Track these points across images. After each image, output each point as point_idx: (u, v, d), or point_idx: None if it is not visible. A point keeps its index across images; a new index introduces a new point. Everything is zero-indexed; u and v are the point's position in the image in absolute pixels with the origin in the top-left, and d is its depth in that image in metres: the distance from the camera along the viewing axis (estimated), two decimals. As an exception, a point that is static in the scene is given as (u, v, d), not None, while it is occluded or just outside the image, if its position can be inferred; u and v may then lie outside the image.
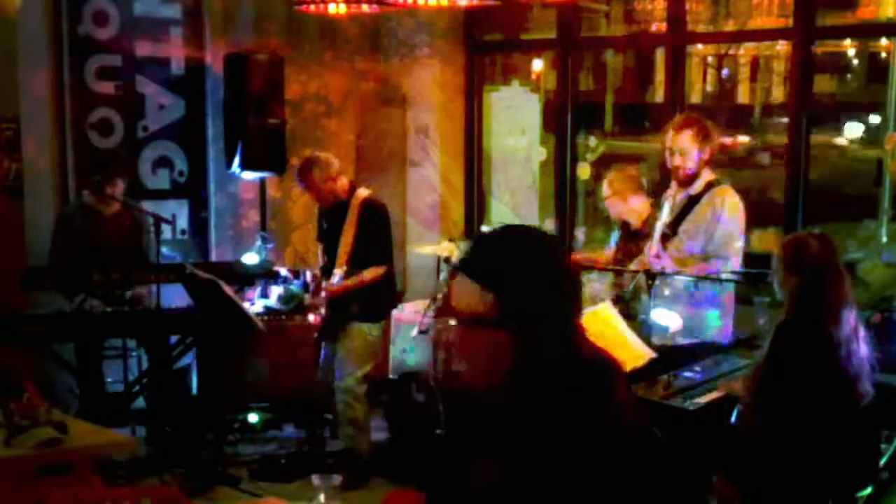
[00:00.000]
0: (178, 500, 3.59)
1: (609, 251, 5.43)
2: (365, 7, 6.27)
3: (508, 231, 2.11)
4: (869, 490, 3.80)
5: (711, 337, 4.73)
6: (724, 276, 4.62)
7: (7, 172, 6.06)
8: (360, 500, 4.99)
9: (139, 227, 5.91)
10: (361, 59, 7.49)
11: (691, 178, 4.76)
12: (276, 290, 6.12)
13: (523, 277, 1.91)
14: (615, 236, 5.48)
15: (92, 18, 6.47)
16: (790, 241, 3.87)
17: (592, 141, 7.82)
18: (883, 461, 3.99)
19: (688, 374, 4.29)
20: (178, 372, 6.14)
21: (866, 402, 3.70)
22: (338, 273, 5.52)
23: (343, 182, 5.63)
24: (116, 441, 4.44)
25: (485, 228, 7.56)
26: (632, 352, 4.16)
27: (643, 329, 4.41)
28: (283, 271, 6.25)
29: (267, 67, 6.48)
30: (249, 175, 6.66)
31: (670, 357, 4.33)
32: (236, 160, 6.46)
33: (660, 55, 10.79)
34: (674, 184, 4.84)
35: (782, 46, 11.91)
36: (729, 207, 4.72)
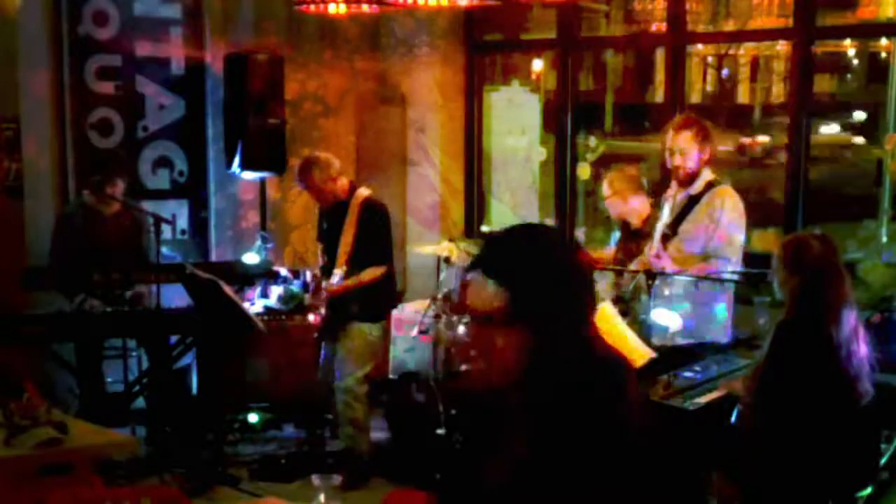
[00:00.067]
0: (178, 500, 3.59)
1: (609, 251, 5.44)
2: (365, 7, 6.27)
3: (523, 229, 2.12)
4: (869, 490, 3.80)
5: (717, 332, 4.73)
6: (724, 276, 4.62)
7: (7, 172, 6.06)
8: (360, 500, 5.00)
9: (139, 227, 5.91)
10: (361, 59, 7.49)
11: (691, 178, 4.76)
12: (276, 290, 6.12)
13: (538, 275, 1.91)
14: (615, 236, 5.48)
15: (92, 18, 6.47)
16: (791, 241, 3.87)
17: (592, 141, 7.81)
18: (883, 461, 3.99)
19: (688, 374, 4.30)
20: (178, 372, 6.14)
21: (866, 402, 3.71)
22: (338, 273, 5.51)
23: (343, 182, 5.63)
24: (116, 441, 4.44)
25: (490, 227, 7.58)
26: (632, 352, 4.15)
27: (643, 329, 4.41)
28: (283, 271, 6.25)
29: (267, 67, 6.48)
30: (249, 175, 6.66)
31: (670, 357, 4.33)
32: (236, 160, 6.46)
33: (660, 55, 10.78)
34: (674, 184, 4.84)
35: (782, 46, 11.91)
36: (729, 207, 4.72)
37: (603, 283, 5.12)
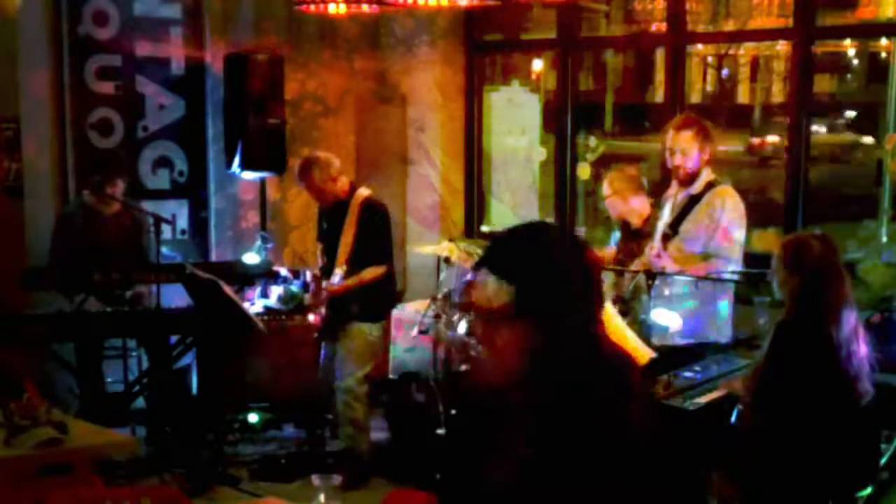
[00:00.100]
0: (178, 500, 3.59)
1: (609, 251, 5.43)
2: (365, 7, 6.27)
3: (531, 227, 2.12)
4: (869, 490, 3.80)
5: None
6: (724, 276, 4.62)
7: (7, 172, 6.06)
8: (360, 500, 5.00)
9: (139, 227, 5.91)
10: (361, 59, 7.49)
11: (692, 178, 4.76)
12: (276, 290, 6.12)
13: (545, 272, 1.90)
14: (615, 236, 5.48)
15: (92, 18, 6.47)
16: (791, 242, 3.87)
17: (592, 141, 7.81)
18: (883, 461, 3.99)
19: (688, 374, 4.30)
20: (178, 372, 6.14)
21: (866, 402, 3.71)
22: (338, 273, 5.51)
23: (343, 182, 5.63)
24: (116, 441, 4.44)
25: (490, 227, 7.58)
26: (632, 352, 4.15)
27: (643, 329, 4.41)
28: (283, 271, 6.25)
29: (267, 67, 6.48)
30: (249, 175, 6.66)
31: (670, 357, 4.33)
32: (236, 160, 6.46)
33: (660, 55, 10.80)
34: (674, 183, 4.84)
35: (782, 46, 11.93)
36: (729, 207, 4.72)
37: (603, 283, 5.11)
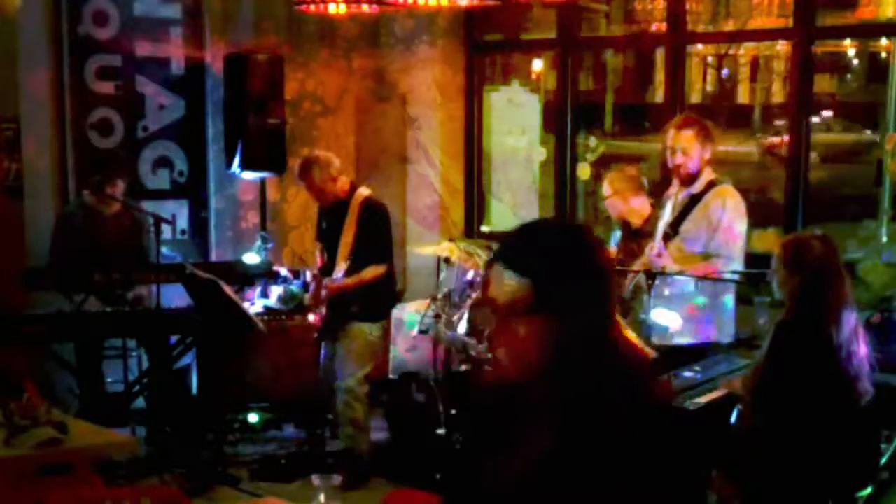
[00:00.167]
0: (178, 500, 3.59)
1: (609, 251, 5.43)
2: (365, 7, 6.27)
3: (547, 222, 2.11)
4: (869, 490, 3.80)
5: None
6: (724, 276, 4.62)
7: (7, 172, 6.06)
8: (360, 500, 5.00)
9: (139, 227, 5.91)
10: (360, 59, 7.49)
11: (693, 177, 4.76)
12: (276, 290, 6.12)
13: (561, 267, 1.90)
14: (615, 236, 5.48)
15: (92, 18, 6.47)
16: (791, 242, 3.87)
17: (592, 141, 7.81)
18: (883, 461, 3.99)
19: (688, 374, 4.30)
20: (178, 372, 6.14)
21: (866, 402, 3.71)
22: (339, 271, 5.51)
23: (343, 181, 5.62)
24: (116, 441, 4.44)
25: (490, 227, 7.57)
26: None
27: (643, 329, 4.41)
28: (283, 271, 6.25)
29: (266, 67, 6.48)
30: (249, 175, 6.66)
31: (670, 357, 4.33)
32: (236, 160, 6.46)
33: (660, 55, 10.81)
34: (675, 183, 4.83)
35: (782, 46, 11.92)
36: (730, 207, 4.72)
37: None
